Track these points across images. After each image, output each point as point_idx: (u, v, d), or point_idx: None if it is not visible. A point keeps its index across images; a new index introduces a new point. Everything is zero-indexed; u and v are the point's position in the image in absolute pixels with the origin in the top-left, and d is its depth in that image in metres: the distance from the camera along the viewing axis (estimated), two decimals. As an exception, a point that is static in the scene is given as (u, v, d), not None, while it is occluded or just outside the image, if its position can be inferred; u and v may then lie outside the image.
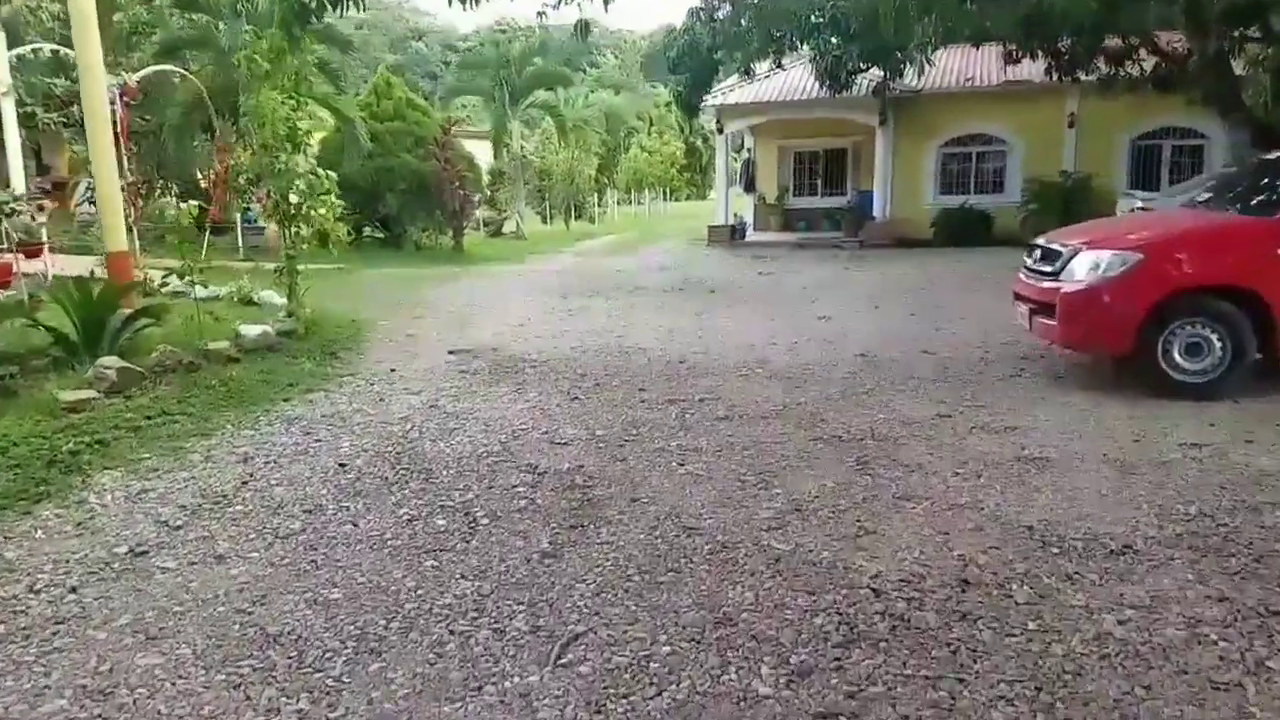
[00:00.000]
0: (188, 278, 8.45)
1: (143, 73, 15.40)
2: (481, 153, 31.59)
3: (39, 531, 4.16)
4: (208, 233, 16.21)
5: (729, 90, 22.17)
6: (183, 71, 15.60)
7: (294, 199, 9.48)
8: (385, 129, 18.60)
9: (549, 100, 26.24)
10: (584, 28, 6.17)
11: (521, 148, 34.66)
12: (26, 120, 16.50)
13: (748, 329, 9.96)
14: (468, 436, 5.84)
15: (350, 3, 5.13)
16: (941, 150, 21.24)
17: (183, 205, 18.14)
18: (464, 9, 5.87)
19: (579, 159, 29.78)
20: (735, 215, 23.30)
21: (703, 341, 9.22)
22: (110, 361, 6.66)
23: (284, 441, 5.74)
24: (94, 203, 15.76)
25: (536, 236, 25.25)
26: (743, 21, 18.25)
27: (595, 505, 4.54)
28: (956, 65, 21.12)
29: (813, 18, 16.46)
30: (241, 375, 7.31)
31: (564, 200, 28.23)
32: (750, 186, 24.22)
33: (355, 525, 4.30)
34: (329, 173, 9.85)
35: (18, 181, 16.84)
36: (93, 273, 12.40)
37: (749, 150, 24.79)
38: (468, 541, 4.09)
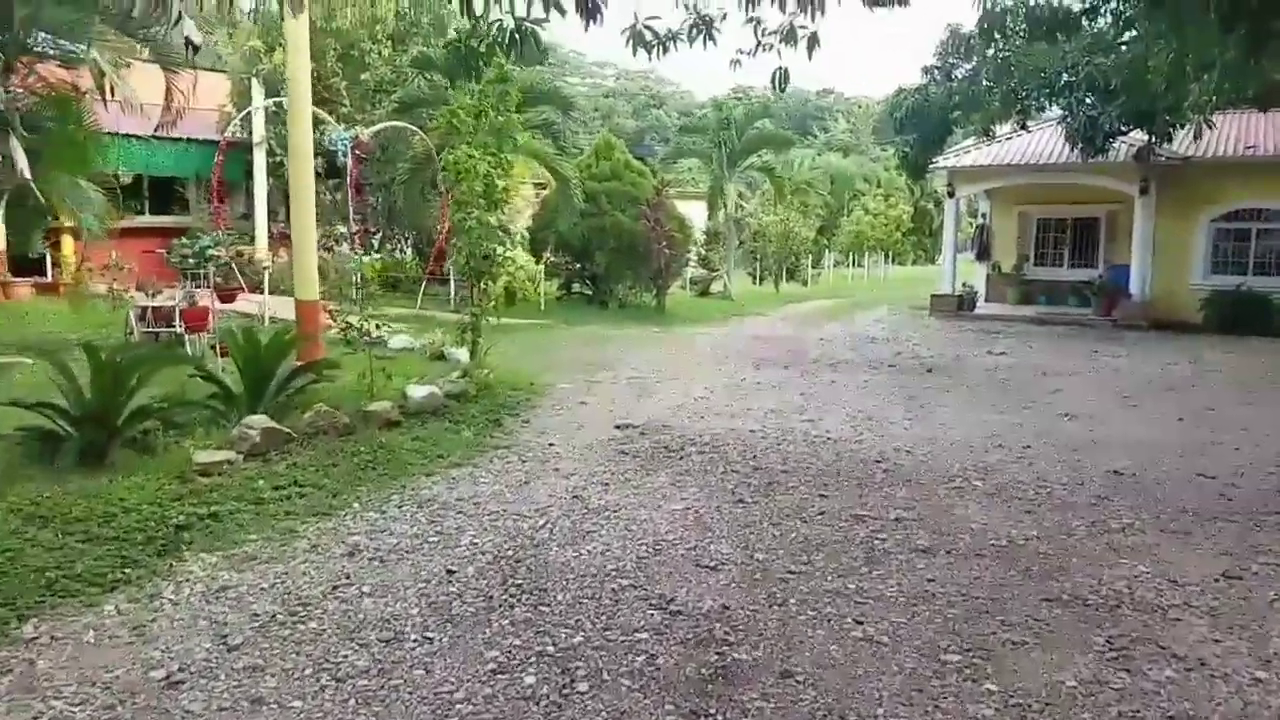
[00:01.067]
0: (365, 328, 8.22)
1: (376, 127, 16.24)
2: (699, 214, 31.42)
3: (90, 633, 3.63)
4: (423, 284, 16.73)
5: (964, 152, 20.31)
6: (414, 128, 16.33)
7: (482, 255, 9.13)
8: (602, 189, 18.54)
9: (768, 162, 25.49)
10: (784, 76, 5.17)
11: (738, 208, 34.18)
12: (275, 170, 17.89)
13: (968, 423, 8.36)
14: (602, 543, 4.88)
15: (520, 47, 4.44)
16: (1213, 225, 18.14)
17: (397, 255, 19.07)
18: (650, 58, 5.08)
19: (794, 220, 28.64)
20: (964, 284, 21.20)
21: (909, 436, 7.77)
22: (256, 421, 6.37)
23: (403, 530, 5.06)
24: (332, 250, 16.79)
25: (745, 297, 24.34)
26: (983, 80, 16.56)
27: (732, 678, 3.40)
28: (1233, 131, 18.07)
29: (1065, 76, 14.51)
30: (395, 441, 6.84)
31: (775, 261, 27.16)
32: (984, 254, 22.00)
33: (429, 671, 3.42)
34: (522, 230, 9.45)
35: (261, 228, 18.36)
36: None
37: (983, 215, 22.64)
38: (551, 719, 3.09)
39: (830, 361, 12.45)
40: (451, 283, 17.04)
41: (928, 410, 9.03)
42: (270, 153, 17.79)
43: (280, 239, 19.13)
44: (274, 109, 17.32)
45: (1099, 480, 6.35)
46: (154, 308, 10.05)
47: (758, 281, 29.37)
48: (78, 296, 11.58)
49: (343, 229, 16.53)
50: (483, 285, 9.37)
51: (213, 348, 9.36)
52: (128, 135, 17.03)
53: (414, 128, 16.40)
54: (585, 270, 18.96)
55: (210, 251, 8.94)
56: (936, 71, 16.13)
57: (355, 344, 8.32)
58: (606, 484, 6.10)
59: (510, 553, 4.74)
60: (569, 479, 6.22)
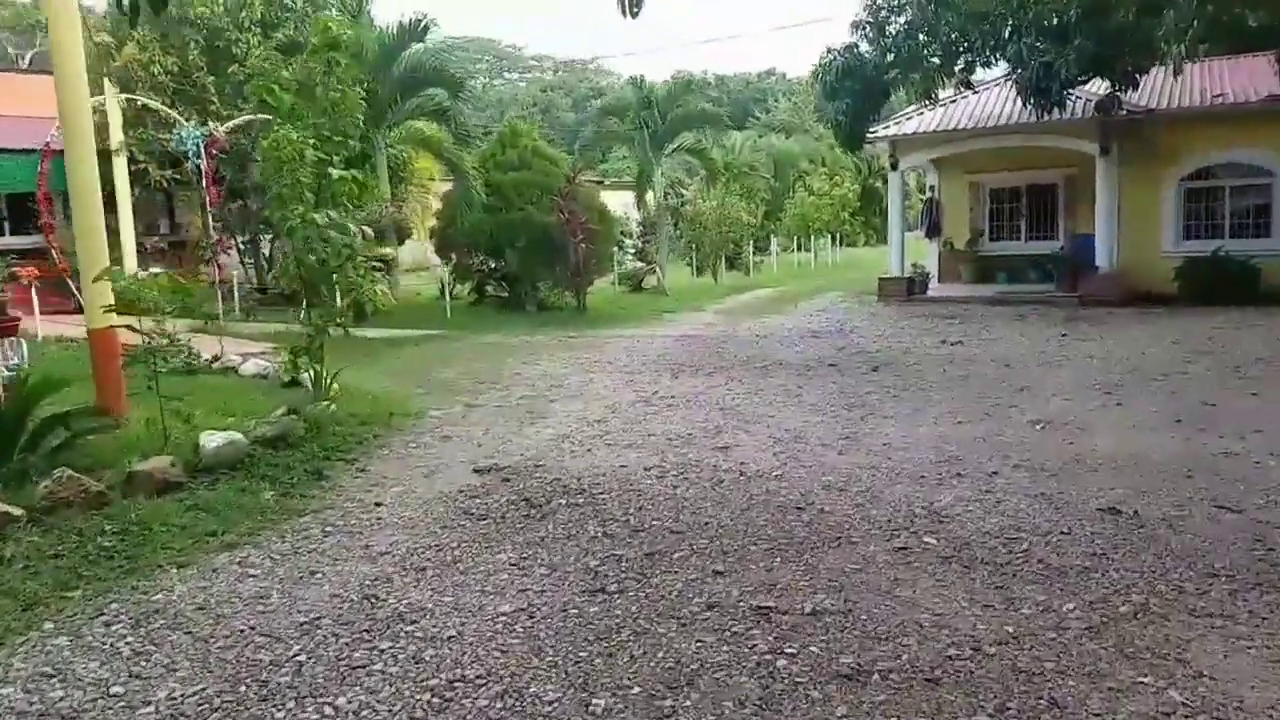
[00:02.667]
0: (152, 358, 6.51)
1: (234, 122, 14.37)
2: (630, 204, 29.76)
3: None
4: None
5: (905, 119, 19.00)
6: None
7: (312, 260, 7.45)
8: (510, 180, 16.86)
9: (698, 143, 23.96)
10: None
11: (675, 195, 32.65)
12: (141, 178, 15.95)
13: (918, 441, 6.91)
14: (366, 691, 3.28)
15: None
16: (1183, 185, 17.01)
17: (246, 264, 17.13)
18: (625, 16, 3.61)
19: (732, 205, 27.17)
20: (914, 265, 19.92)
21: (844, 464, 6.28)
22: (-54, 502, 4.66)
23: (83, 674, 3.46)
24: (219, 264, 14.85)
25: (681, 291, 22.79)
26: (920, 35, 15.21)
27: None
28: (1197, 83, 16.99)
29: (1011, 20, 13.19)
30: (160, 514, 5.16)
31: (713, 250, 25.65)
32: (934, 231, 20.74)
33: None
34: (364, 228, 7.77)
35: (129, 242, 16.38)
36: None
37: (932, 188, 21.39)
38: None
39: (762, 363, 10.95)
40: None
41: (870, 424, 7.56)
42: (133, 159, 15.85)
43: (155, 253, 17.19)
44: (134, 109, 15.38)
45: (1090, 526, 4.89)
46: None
47: (697, 273, 27.87)
48: None
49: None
50: (318, 297, 7.69)
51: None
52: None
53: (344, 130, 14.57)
54: (496, 271, 17.28)
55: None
56: (868, 27, 14.69)
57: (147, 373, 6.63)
58: (423, 569, 4.50)
59: (220, 714, 3.13)
60: (375, 562, 4.60)
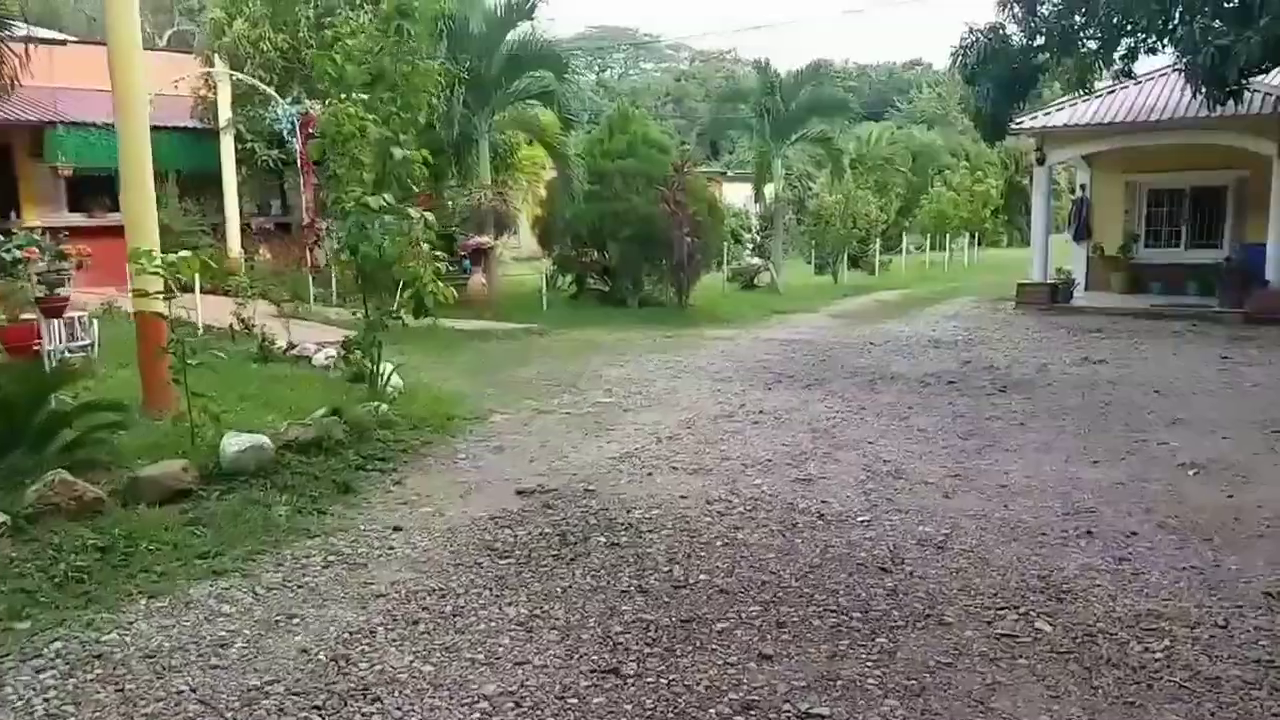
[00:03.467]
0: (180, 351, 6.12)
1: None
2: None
3: None
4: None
5: (1055, 109, 17.25)
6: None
7: (369, 248, 6.94)
8: (616, 168, 16.21)
9: (824, 132, 22.63)
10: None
11: (802, 188, 31.33)
12: (249, 157, 16.17)
13: (1043, 484, 5.79)
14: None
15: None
16: (1383, 190, 14.66)
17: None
18: None
19: (860, 198, 25.67)
20: (1058, 271, 18.13)
21: (950, 510, 5.26)
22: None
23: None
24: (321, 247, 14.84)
25: (797, 290, 21.60)
26: (1077, 15, 13.59)
27: None
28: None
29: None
30: (154, 527, 4.71)
31: (835, 248, 24.25)
32: (1082, 234, 18.84)
33: None
34: (426, 215, 7.22)
35: (233, 223, 16.64)
36: (234, 326, 11.12)
37: (1082, 187, 19.44)
38: None
39: (870, 377, 9.86)
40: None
41: (988, 458, 6.46)
42: (240, 138, 16.09)
43: (262, 234, 17.47)
44: (243, 86, 15.58)
45: (1254, 617, 3.76)
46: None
47: (818, 271, 26.49)
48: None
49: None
50: (375, 289, 7.20)
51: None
52: (75, 124, 15.60)
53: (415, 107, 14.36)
54: (597, 263, 16.67)
55: (16, 254, 7.00)
56: (1015, 5, 13.20)
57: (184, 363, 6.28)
58: (415, 622, 3.82)
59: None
60: (365, 607, 3.96)
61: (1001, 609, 3.96)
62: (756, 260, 24.32)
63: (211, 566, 4.39)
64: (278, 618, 3.88)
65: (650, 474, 5.99)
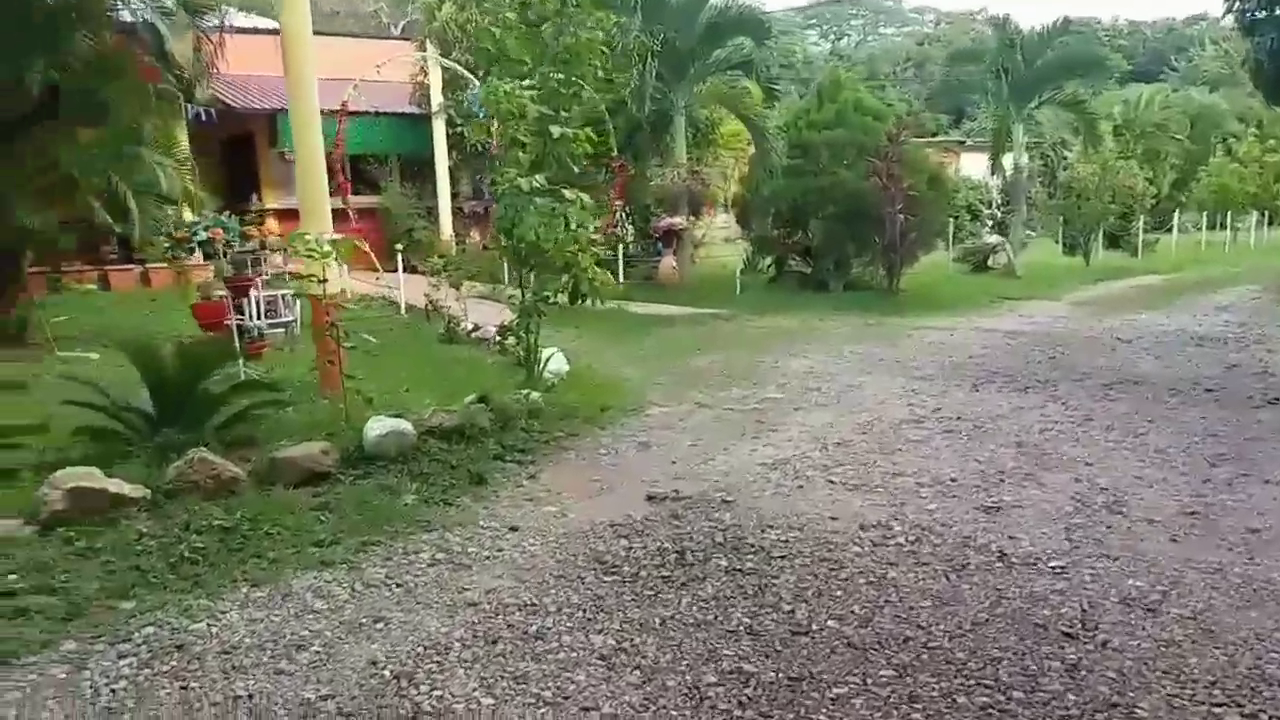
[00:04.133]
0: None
1: (528, 82, 14.37)
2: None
3: None
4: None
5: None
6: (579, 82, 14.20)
7: (521, 232, 6.79)
8: (823, 139, 15.32)
9: (1075, 94, 20.19)
10: None
11: (1044, 159, 28.55)
12: (460, 141, 16.80)
13: (1311, 535, 4.61)
14: None
15: None
16: None
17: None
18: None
19: (1122, 171, 22.85)
20: (1372, 255, 15.19)
21: (1174, 559, 4.28)
22: (66, 477, 4.58)
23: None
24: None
25: (1038, 272, 19.52)
26: None
27: None
28: None
29: None
30: (281, 510, 4.79)
31: (1087, 225, 21.72)
32: None
33: None
34: (582, 196, 6.98)
35: (445, 206, 17.40)
36: (429, 307, 11.53)
37: None
38: None
39: (1107, 380, 8.55)
40: (619, 261, 14.89)
41: (1239, 492, 5.28)
42: (450, 123, 16.77)
43: (472, 217, 18.17)
44: (453, 73, 16.21)
45: None
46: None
47: (1070, 251, 23.86)
48: (185, 282, 10.98)
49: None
50: (530, 274, 7.05)
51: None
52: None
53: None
54: (799, 244, 15.91)
55: (203, 235, 7.48)
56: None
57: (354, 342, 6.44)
58: (495, 641, 3.55)
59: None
60: (451, 618, 3.74)
61: (1219, 705, 3.08)
62: (993, 239, 22.35)
63: (322, 556, 4.36)
64: (364, 620, 3.75)
65: (801, 486, 5.40)
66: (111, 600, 3.86)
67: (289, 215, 17.26)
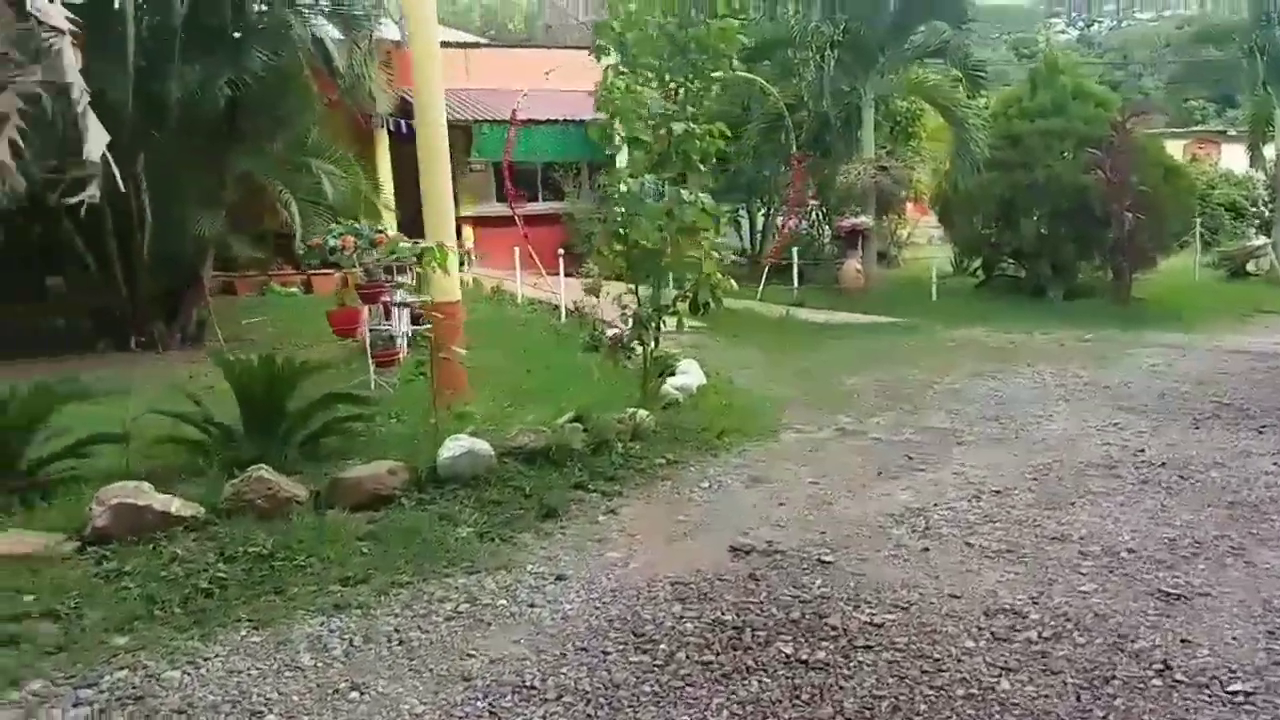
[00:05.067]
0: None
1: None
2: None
3: None
4: (765, 273, 13.85)
5: None
6: (756, 79, 13.25)
7: (638, 237, 6.15)
8: (1036, 129, 13.53)
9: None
10: None
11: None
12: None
13: None
14: None
15: None
16: None
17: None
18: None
19: None
20: None
21: None
22: (116, 491, 4.44)
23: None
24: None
25: (1314, 280, 16.43)
26: None
27: None
28: None
29: None
30: (325, 538, 4.42)
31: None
32: None
33: None
34: (704, 197, 6.23)
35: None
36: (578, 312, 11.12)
37: None
38: None
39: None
40: (794, 266, 13.86)
41: None
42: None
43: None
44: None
45: None
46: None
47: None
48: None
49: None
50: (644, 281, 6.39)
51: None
52: (493, 122, 17.16)
53: (757, 79, 13.38)
54: (1007, 245, 14.17)
55: (334, 243, 7.41)
56: None
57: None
58: (461, 735, 2.92)
59: None
60: (434, 695, 3.16)
61: None
62: (1258, 240, 19.09)
63: (341, 597, 3.92)
64: (342, 686, 3.25)
65: (928, 549, 4.36)
66: (108, 633, 3.60)
67: (483, 222, 17.72)
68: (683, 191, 6.08)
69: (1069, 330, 11.24)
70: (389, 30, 12.41)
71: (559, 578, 4.11)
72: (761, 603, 3.80)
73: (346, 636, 3.60)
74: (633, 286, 6.38)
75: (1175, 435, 6.37)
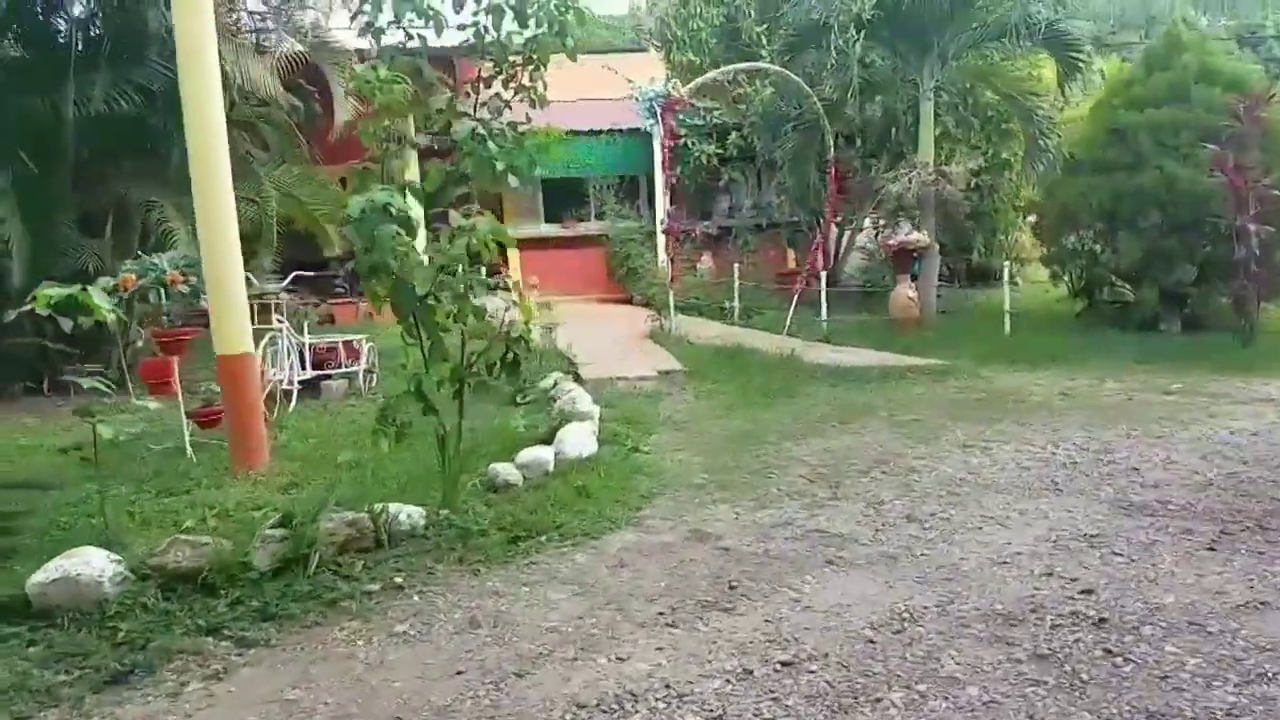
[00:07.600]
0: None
1: (704, 78, 11.77)
2: None
3: None
4: (795, 299, 11.91)
5: None
6: (792, 76, 11.33)
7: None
8: (1143, 120, 10.89)
9: None
10: None
11: None
12: (686, 154, 14.90)
13: None
14: None
15: None
16: None
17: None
18: None
19: None
20: None
21: None
22: None
23: None
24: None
25: None
26: None
27: None
28: None
29: None
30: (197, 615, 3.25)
31: None
32: None
33: None
34: (483, 221, 4.68)
35: (658, 224, 15.43)
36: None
37: None
38: None
39: None
40: (823, 300, 11.82)
41: None
42: (672, 133, 14.86)
43: (705, 239, 16.01)
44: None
45: None
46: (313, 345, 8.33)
47: None
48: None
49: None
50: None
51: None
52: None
53: (793, 76, 11.54)
54: (1107, 265, 11.52)
55: (160, 277, 6.25)
56: None
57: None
58: None
59: None
60: None
61: None
62: None
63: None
64: None
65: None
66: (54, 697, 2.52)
67: (529, 244, 16.57)
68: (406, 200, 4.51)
69: (1161, 376, 8.72)
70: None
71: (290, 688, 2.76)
72: None
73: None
74: (405, 338, 4.87)
75: (1169, 562, 4.18)
